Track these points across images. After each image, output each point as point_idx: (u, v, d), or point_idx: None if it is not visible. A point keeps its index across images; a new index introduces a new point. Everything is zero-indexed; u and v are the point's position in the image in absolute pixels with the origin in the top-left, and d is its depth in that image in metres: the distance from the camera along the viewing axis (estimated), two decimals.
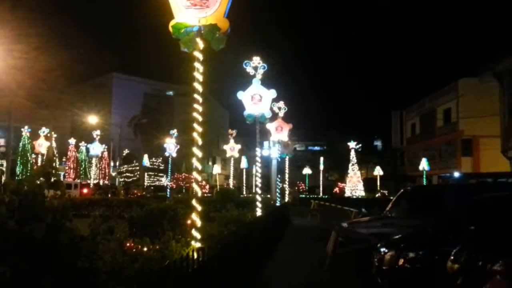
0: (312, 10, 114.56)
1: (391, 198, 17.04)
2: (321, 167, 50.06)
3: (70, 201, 3.00)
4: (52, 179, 3.04)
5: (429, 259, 6.09)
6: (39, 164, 34.61)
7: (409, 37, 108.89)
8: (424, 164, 37.90)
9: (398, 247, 6.85)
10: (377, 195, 41.74)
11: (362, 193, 42.47)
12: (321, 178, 50.15)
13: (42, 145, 33.19)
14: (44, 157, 32.98)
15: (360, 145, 49.16)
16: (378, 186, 46.03)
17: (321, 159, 50.70)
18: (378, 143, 75.56)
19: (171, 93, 79.29)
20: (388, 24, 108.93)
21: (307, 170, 55.51)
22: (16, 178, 31.97)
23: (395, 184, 45.48)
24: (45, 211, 2.56)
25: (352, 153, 43.84)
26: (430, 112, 46.05)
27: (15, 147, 40.92)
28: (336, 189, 50.73)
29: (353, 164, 43.58)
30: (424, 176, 37.90)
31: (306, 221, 22.90)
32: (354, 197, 40.75)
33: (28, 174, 39.77)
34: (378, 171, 47.94)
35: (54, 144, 41.42)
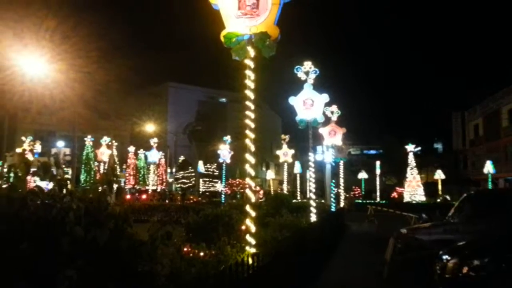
0: (363, 10, 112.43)
1: (454, 203, 16.25)
2: (378, 171, 48.73)
3: (130, 207, 3.14)
4: (115, 186, 3.20)
5: (496, 266, 5.76)
6: (101, 171, 36.38)
7: (468, 35, 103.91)
8: (489, 167, 35.90)
9: (461, 254, 6.54)
10: (438, 200, 39.97)
11: (422, 198, 40.85)
12: (377, 183, 48.79)
13: (104, 153, 34.80)
14: (106, 165, 34.52)
15: (419, 148, 47.33)
16: (439, 191, 44.08)
17: (377, 163, 49.37)
18: (438, 146, 72.52)
19: (224, 100, 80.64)
20: (447, 21, 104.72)
21: (362, 175, 54.25)
22: (80, 185, 33.82)
23: (458, 188, 43.35)
24: (108, 217, 2.70)
25: (411, 157, 42.31)
26: (494, 112, 43.66)
27: (79, 156, 43.32)
28: (394, 194, 49.13)
29: (412, 168, 42.05)
30: (489, 180, 35.86)
31: (362, 227, 22.38)
32: (414, 202, 39.28)
33: (92, 181, 41.93)
34: (439, 175, 45.92)
35: (115, 152, 43.33)
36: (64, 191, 3.08)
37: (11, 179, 2.89)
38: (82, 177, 42.05)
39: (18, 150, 32.00)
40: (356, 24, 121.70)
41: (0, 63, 30.38)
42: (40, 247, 2.34)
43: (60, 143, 53.41)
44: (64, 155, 50.88)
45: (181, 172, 55.99)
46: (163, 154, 48.46)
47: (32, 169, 3.24)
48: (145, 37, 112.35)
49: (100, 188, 2.94)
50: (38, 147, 36.70)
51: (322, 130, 18.39)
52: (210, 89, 78.65)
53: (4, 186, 2.78)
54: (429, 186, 47.03)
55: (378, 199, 45.63)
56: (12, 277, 2.21)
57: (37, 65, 29.32)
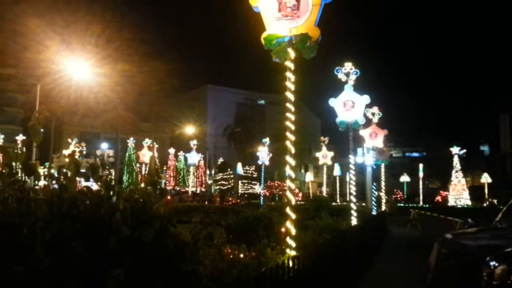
0: (407, 6, 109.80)
1: (501, 207, 15.55)
2: (421, 174, 47.39)
3: (174, 208, 3.19)
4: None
5: None
6: (143, 172, 37.31)
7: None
8: None
9: (510, 260, 6.25)
10: (484, 204, 38.42)
11: (468, 202, 39.39)
12: (420, 186, 47.43)
13: (145, 155, 35.63)
14: (147, 166, 35.32)
15: (465, 150, 45.65)
16: (486, 195, 42.35)
17: (421, 165, 48.02)
18: (484, 148, 69.72)
19: (263, 102, 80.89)
20: (497, 21, 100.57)
21: (405, 178, 52.94)
22: (123, 186, 34.81)
23: (506, 192, 41.46)
24: (153, 218, 2.75)
25: (456, 159, 40.89)
26: None
27: (122, 157, 44.67)
28: (438, 198, 47.65)
29: (457, 171, 40.64)
30: None
31: (405, 231, 21.80)
32: (459, 206, 37.97)
33: (134, 182, 43.12)
34: (485, 178, 44.14)
35: (156, 154, 44.36)
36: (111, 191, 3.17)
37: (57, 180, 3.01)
38: (125, 178, 43.30)
39: (65, 151, 33.36)
40: (399, 22, 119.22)
41: (49, 67, 31.83)
42: (89, 246, 2.42)
43: (104, 145, 55.30)
44: (108, 156, 52.62)
45: (220, 174, 56.59)
46: (203, 156, 49.14)
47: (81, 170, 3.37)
48: (185, 40, 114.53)
49: (145, 189, 3.01)
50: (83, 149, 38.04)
51: (363, 132, 18.09)
52: (249, 91, 79.10)
53: (54, 186, 2.89)
54: (475, 190, 45.31)
55: (421, 203, 44.40)
56: (64, 274, 2.29)
57: (83, 69, 30.50)
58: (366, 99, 11.49)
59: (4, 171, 2.82)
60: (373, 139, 18.50)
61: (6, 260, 2.29)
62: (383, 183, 22.91)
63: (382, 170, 22.40)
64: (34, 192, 2.84)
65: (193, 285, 2.96)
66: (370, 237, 12.77)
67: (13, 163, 2.88)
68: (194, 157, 35.99)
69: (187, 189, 43.73)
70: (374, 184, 20.52)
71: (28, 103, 44.26)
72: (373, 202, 19.33)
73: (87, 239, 2.44)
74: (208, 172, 57.54)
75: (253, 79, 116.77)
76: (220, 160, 60.14)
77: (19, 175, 2.90)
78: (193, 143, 35.82)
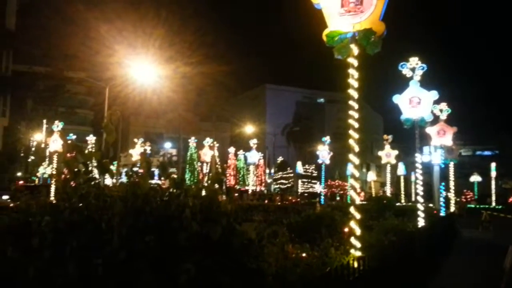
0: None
1: None
2: (493, 173, 44.66)
3: (240, 206, 3.24)
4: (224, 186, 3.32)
5: None
6: (204, 171, 38.21)
7: None
8: None
9: None
10: None
11: None
12: (493, 186, 44.68)
13: (206, 154, 36.41)
14: (208, 165, 36.09)
15: None
16: None
17: (493, 164, 45.24)
18: None
19: (322, 100, 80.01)
20: None
21: (475, 178, 50.16)
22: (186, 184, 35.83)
23: None
24: (220, 215, 2.80)
25: None
26: None
27: (184, 156, 46.05)
28: None
29: None
30: None
31: (476, 233, 20.67)
32: None
33: (195, 180, 44.30)
34: None
35: (216, 153, 45.28)
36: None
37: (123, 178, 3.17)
38: (187, 176, 44.56)
39: (131, 151, 34.96)
40: (470, 13, 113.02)
41: (117, 70, 33.55)
42: (161, 241, 2.50)
43: (168, 145, 57.31)
44: (171, 155, 54.52)
45: (280, 173, 56.67)
46: (262, 155, 49.45)
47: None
48: (243, 40, 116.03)
49: (212, 187, 3.07)
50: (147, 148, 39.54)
51: (430, 130, 17.33)
52: (308, 90, 78.59)
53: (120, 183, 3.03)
54: None
55: (493, 204, 41.84)
56: (139, 267, 2.39)
57: (147, 71, 31.81)
58: (433, 95, 10.98)
59: (80, 169, 2.99)
60: (441, 137, 17.67)
61: (86, 253, 2.43)
62: (451, 183, 21.86)
63: (451, 169, 21.38)
64: (108, 189, 2.99)
65: (258, 282, 2.98)
66: (439, 238, 12.24)
67: (89, 162, 3.04)
68: (254, 156, 36.28)
69: (247, 187, 44.22)
70: (443, 184, 19.61)
71: (98, 105, 47.02)
72: (441, 203, 18.48)
73: (159, 234, 2.53)
74: (267, 171, 57.82)
75: (312, 77, 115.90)
76: (280, 159, 60.22)
77: (94, 173, 3.07)
78: (253, 142, 36.12)
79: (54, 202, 2.86)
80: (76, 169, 2.96)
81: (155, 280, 2.38)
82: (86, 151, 3.15)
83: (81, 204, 2.74)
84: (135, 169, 3.04)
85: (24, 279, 2.44)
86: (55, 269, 2.41)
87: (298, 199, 38.81)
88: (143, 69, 31.55)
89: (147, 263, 2.40)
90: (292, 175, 55.44)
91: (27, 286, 2.43)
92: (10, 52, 35.42)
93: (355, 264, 4.77)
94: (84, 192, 2.84)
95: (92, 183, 2.93)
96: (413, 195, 34.74)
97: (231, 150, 49.64)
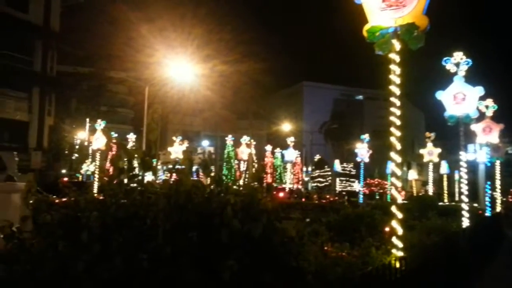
0: None
1: None
2: None
3: (280, 204, 3.23)
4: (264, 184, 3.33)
5: None
6: (241, 169, 38.44)
7: None
8: None
9: None
10: None
11: None
12: None
13: (243, 152, 36.56)
14: (245, 163, 36.26)
15: None
16: None
17: None
18: None
19: (360, 97, 78.76)
20: None
21: None
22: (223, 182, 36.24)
23: None
24: (261, 212, 2.81)
25: None
26: None
27: (221, 154, 46.54)
28: None
29: None
30: None
31: None
32: None
33: (232, 178, 44.68)
34: None
35: (253, 151, 45.42)
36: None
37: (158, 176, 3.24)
38: (224, 174, 44.99)
39: (170, 149, 35.63)
40: None
41: (156, 70, 34.32)
42: (204, 237, 2.54)
43: (205, 143, 58.07)
44: (210, 153, 55.25)
45: (317, 171, 56.27)
46: (299, 153, 49.21)
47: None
48: (280, 38, 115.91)
49: (252, 184, 3.09)
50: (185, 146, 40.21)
51: (475, 127, 16.70)
52: (346, 87, 77.53)
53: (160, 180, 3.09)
54: None
55: None
56: (183, 262, 2.44)
57: (184, 70, 32.33)
58: (479, 90, 10.57)
59: (125, 166, 3.07)
60: (487, 134, 16.97)
61: (132, 248, 2.50)
62: (498, 182, 20.98)
63: (497, 168, 20.52)
64: (150, 186, 3.06)
65: (299, 280, 2.98)
66: (484, 240, 11.80)
67: (132, 159, 3.12)
68: (291, 154, 36.13)
69: (284, 185, 44.14)
70: (489, 183, 18.87)
71: (138, 104, 48.27)
72: (487, 203, 17.79)
73: (202, 231, 2.57)
74: (304, 169, 57.50)
75: (350, 75, 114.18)
76: (317, 157, 59.77)
77: (138, 170, 3.14)
78: (290, 140, 35.98)
79: (101, 198, 2.97)
80: (120, 167, 3.05)
81: (199, 275, 2.42)
82: (131, 149, 3.23)
83: (125, 200, 2.83)
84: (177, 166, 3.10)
85: (74, 272, 2.53)
86: (103, 263, 2.49)
87: (336, 198, 38.36)
88: (181, 68, 32.09)
89: (191, 259, 2.44)
90: (329, 173, 54.91)
91: (76, 279, 2.53)
92: (54, 53, 36.91)
93: (397, 264, 4.68)
94: (128, 189, 2.92)
95: (135, 179, 3.01)
96: (456, 195, 33.58)
97: (268, 148, 49.69)
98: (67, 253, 2.61)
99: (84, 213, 2.77)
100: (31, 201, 3.14)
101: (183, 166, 3.05)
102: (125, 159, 3.10)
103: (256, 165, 46.26)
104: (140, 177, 3.07)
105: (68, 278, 2.56)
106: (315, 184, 55.15)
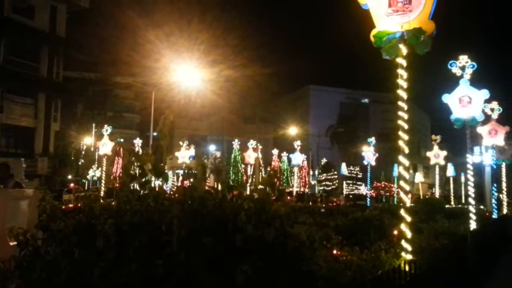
0: None
1: None
2: None
3: (292, 209, 3.27)
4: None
5: None
6: (248, 173, 38.44)
7: None
8: None
9: None
10: None
11: None
12: None
13: (250, 156, 36.54)
14: (252, 167, 36.24)
15: None
16: None
17: None
18: None
19: (366, 100, 78.63)
20: None
21: None
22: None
23: None
24: (273, 217, 2.86)
25: None
26: None
27: (227, 158, 46.58)
28: None
29: None
30: None
31: None
32: None
33: (239, 183, 44.69)
34: None
35: (260, 155, 45.38)
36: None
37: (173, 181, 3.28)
38: (231, 178, 44.99)
39: (177, 153, 35.73)
40: None
41: (163, 75, 34.50)
42: (218, 242, 2.59)
43: (211, 147, 58.15)
44: (215, 157, 55.30)
45: (324, 174, 56.13)
46: (306, 156, 49.16)
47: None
48: (286, 42, 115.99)
49: (264, 189, 3.13)
50: (192, 151, 40.28)
51: (481, 130, 16.64)
52: (352, 90, 77.41)
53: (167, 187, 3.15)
54: None
55: None
56: (197, 267, 2.49)
57: (191, 75, 32.46)
58: (484, 93, 10.56)
59: (136, 172, 3.12)
60: (493, 137, 16.90)
61: (147, 254, 2.55)
62: (504, 184, 20.88)
63: (503, 170, 20.42)
64: (163, 192, 3.11)
65: (310, 284, 3.01)
66: (492, 242, 11.75)
67: (144, 165, 3.17)
68: (298, 158, 36.06)
69: (291, 189, 44.06)
70: (495, 185, 18.78)
71: (144, 109, 48.50)
72: (493, 205, 17.71)
73: (216, 236, 2.61)
74: (311, 172, 57.37)
75: (355, 78, 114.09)
76: (324, 160, 59.65)
77: (150, 176, 3.19)
78: (297, 143, 35.96)
79: (115, 204, 3.02)
80: (132, 173, 3.10)
81: (213, 280, 2.47)
82: (142, 155, 3.28)
83: (139, 206, 2.87)
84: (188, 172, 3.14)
85: (90, 278, 2.58)
86: (119, 269, 2.54)
87: (340, 201, 38.22)
88: (187, 73, 32.24)
89: (206, 263, 2.49)
90: (336, 176, 54.77)
91: (93, 286, 2.57)
92: (60, 59, 37.17)
93: (407, 268, 4.70)
94: (142, 195, 2.97)
95: (147, 186, 3.06)
96: (463, 197, 33.35)
97: (275, 152, 49.65)
98: (83, 260, 2.66)
99: (99, 220, 2.82)
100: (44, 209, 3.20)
101: (195, 171, 3.10)
102: (137, 165, 3.15)
103: (262, 169, 46.29)
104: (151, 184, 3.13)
105: (84, 285, 2.61)
106: (322, 188, 55.02)
